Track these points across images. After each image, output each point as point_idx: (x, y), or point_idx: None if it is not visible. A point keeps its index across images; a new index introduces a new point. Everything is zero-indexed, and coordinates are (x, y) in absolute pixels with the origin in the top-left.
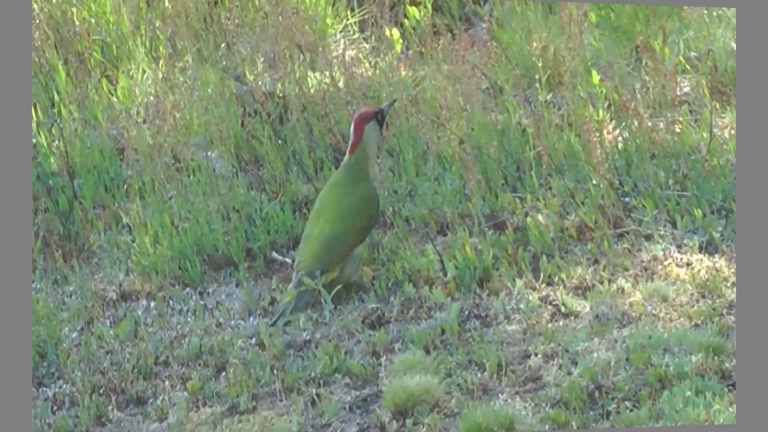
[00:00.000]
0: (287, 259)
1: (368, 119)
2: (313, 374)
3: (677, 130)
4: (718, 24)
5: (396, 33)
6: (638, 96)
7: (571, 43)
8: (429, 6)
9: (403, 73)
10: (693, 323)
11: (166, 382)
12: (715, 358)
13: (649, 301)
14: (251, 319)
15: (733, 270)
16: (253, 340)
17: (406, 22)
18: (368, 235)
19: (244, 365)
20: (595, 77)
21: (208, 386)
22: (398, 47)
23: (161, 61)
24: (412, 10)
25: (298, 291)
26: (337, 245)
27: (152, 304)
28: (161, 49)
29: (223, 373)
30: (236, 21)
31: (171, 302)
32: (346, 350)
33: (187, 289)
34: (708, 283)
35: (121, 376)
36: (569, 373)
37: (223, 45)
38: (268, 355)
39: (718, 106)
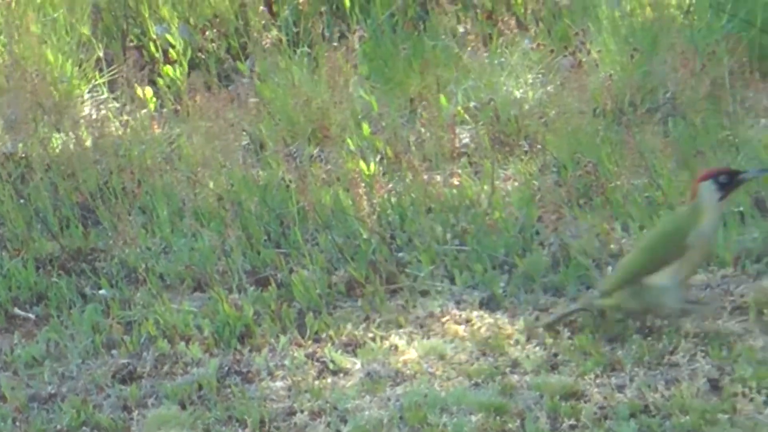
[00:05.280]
0: (30, 315)
1: (705, 178)
2: (59, 426)
3: (456, 183)
4: (501, 72)
5: (149, 91)
6: (413, 148)
7: (337, 96)
8: (185, 64)
9: (157, 131)
10: (473, 382)
11: None
12: (497, 418)
13: (425, 359)
14: None
15: (516, 327)
16: None
17: (161, 80)
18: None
19: None
20: (366, 130)
21: None
22: (152, 105)
23: None
24: (167, 69)
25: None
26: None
27: None
28: None
29: None
30: None
31: None
32: (94, 404)
33: None
34: (489, 340)
35: None
36: (338, 431)
37: None
38: (9, 408)
39: (500, 157)
